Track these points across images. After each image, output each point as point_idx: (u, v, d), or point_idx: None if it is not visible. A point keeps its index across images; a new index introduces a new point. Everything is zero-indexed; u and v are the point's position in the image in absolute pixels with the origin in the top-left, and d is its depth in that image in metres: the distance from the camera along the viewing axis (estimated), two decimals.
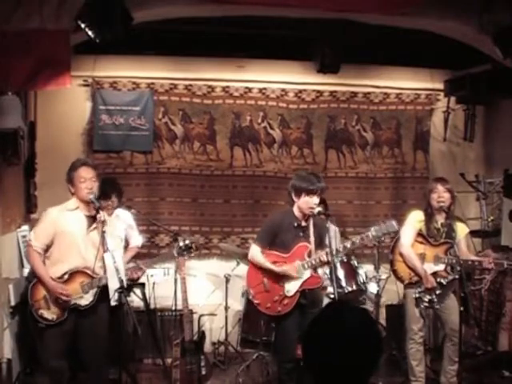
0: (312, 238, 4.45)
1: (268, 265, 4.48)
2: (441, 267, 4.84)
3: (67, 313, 4.10)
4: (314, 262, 4.41)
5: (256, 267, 4.56)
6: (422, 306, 4.83)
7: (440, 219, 4.93)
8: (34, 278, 4.17)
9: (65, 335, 4.11)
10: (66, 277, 4.11)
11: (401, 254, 4.98)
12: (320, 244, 4.51)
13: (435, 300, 4.79)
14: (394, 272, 5.06)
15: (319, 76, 6.31)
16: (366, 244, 6.55)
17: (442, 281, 4.80)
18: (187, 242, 4.77)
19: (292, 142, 6.72)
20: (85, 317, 4.14)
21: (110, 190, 4.90)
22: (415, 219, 4.97)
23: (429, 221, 4.94)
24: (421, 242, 4.95)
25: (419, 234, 4.95)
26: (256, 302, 4.58)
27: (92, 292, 4.13)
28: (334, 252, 4.31)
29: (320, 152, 6.78)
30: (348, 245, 4.43)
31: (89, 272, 4.11)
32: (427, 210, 4.95)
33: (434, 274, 4.83)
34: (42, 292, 4.11)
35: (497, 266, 4.83)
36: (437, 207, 4.87)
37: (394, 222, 4.39)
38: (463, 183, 6.51)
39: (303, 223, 4.49)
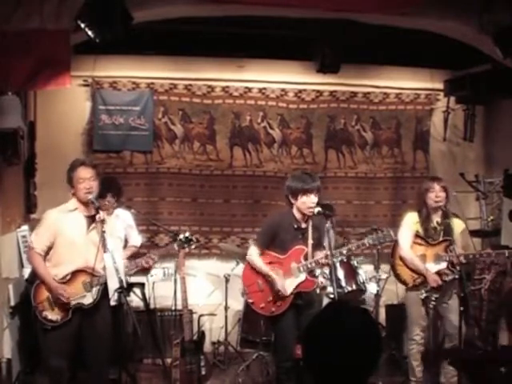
0: (310, 241, 4.44)
1: (263, 268, 4.48)
2: (443, 265, 4.82)
3: (71, 313, 4.10)
4: (309, 266, 4.41)
5: (252, 266, 4.58)
6: (431, 306, 4.81)
7: (436, 218, 4.91)
8: (36, 280, 4.17)
9: (69, 336, 4.11)
10: (68, 277, 4.11)
11: (401, 258, 4.96)
12: (318, 245, 4.51)
13: (440, 297, 4.80)
14: (397, 276, 5.02)
15: (319, 76, 6.31)
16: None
17: (446, 278, 4.80)
18: (187, 234, 4.79)
19: (292, 142, 6.72)
20: (88, 316, 4.15)
21: (105, 190, 4.88)
22: (411, 221, 4.95)
23: (425, 221, 4.91)
24: (419, 244, 4.92)
25: (417, 236, 4.93)
26: (250, 300, 4.60)
27: (95, 290, 4.13)
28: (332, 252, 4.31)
29: (320, 152, 6.77)
30: (344, 251, 4.43)
31: (90, 271, 4.11)
32: (422, 211, 4.93)
33: (438, 273, 4.82)
34: (45, 293, 4.11)
35: (497, 256, 4.86)
36: (434, 206, 4.85)
37: (391, 232, 4.39)
38: (463, 183, 6.51)
39: (303, 225, 4.48)
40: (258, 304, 4.53)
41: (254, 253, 4.54)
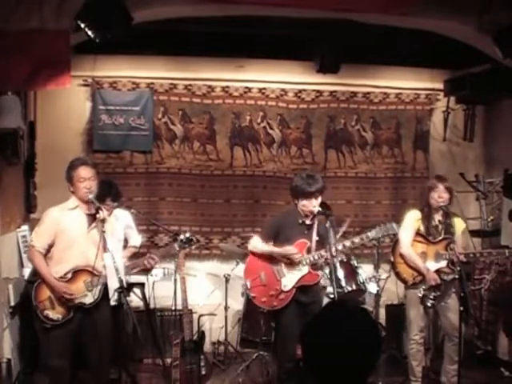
0: (315, 237, 4.45)
1: (267, 248, 4.49)
2: (443, 264, 4.83)
3: (72, 312, 4.10)
4: (312, 259, 4.42)
5: (255, 259, 4.58)
6: (428, 304, 4.82)
7: (437, 217, 4.93)
8: (37, 279, 4.16)
9: (70, 335, 4.12)
10: (69, 276, 4.12)
11: (401, 256, 4.97)
12: (323, 243, 4.48)
13: (440, 297, 4.80)
14: (397, 274, 5.04)
15: (319, 76, 6.30)
16: (365, 244, 6.56)
17: (446, 278, 4.80)
18: (188, 234, 4.79)
19: (291, 142, 6.72)
20: (89, 315, 4.16)
21: (104, 194, 4.85)
22: (412, 219, 4.96)
23: (426, 219, 4.93)
24: (420, 242, 4.94)
25: (418, 234, 4.94)
26: (252, 295, 4.59)
27: (96, 290, 4.14)
28: (333, 250, 4.28)
29: (319, 152, 6.77)
30: (347, 243, 4.43)
31: (91, 270, 4.12)
32: (424, 209, 4.95)
33: (437, 272, 4.83)
34: (46, 292, 4.10)
35: (498, 254, 4.91)
36: (436, 206, 4.87)
37: (394, 225, 4.39)
38: (463, 183, 6.51)
39: (308, 221, 4.50)
40: (260, 298, 4.52)
41: (255, 241, 4.56)
